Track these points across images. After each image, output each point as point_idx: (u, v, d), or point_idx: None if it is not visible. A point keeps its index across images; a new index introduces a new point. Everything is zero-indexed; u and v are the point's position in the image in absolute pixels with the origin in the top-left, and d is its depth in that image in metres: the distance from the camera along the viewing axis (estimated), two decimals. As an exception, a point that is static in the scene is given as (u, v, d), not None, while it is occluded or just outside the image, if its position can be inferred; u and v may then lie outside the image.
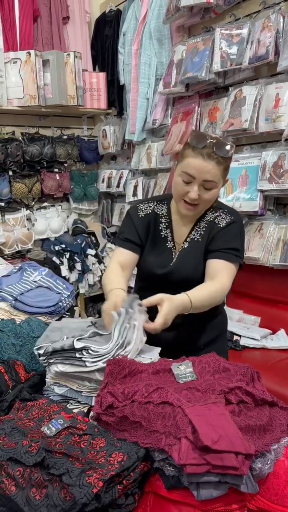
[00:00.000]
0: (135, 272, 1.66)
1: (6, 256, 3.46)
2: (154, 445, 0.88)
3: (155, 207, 1.58)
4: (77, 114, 4.04)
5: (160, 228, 1.56)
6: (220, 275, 1.44)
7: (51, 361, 1.19)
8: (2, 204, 3.49)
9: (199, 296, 1.37)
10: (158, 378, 1.06)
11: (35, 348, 1.25)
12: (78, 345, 1.13)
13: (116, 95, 3.88)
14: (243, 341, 2.50)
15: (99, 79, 3.87)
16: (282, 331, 2.56)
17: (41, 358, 1.22)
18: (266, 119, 2.47)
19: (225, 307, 2.78)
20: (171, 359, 1.16)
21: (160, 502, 0.84)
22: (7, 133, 3.52)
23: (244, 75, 2.68)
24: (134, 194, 3.55)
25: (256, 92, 2.55)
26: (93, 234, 3.99)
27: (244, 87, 2.64)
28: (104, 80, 3.88)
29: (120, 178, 3.80)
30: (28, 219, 3.71)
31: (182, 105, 3.15)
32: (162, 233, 1.56)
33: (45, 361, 1.20)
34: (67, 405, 1.16)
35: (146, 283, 1.62)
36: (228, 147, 1.39)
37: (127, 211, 1.63)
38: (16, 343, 1.42)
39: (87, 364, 1.12)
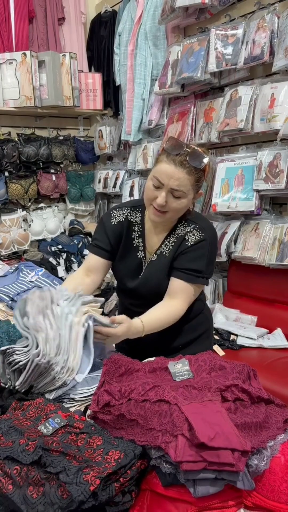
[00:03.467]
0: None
1: (2, 257, 3.46)
2: (150, 442, 0.88)
3: (129, 214, 1.55)
4: (73, 115, 4.04)
5: (133, 236, 1.55)
6: (178, 296, 1.47)
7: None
8: (-2, 205, 3.49)
9: (152, 322, 1.41)
10: (154, 376, 1.06)
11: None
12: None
13: (112, 95, 3.89)
14: (240, 341, 2.50)
15: (95, 79, 3.88)
16: (278, 330, 2.57)
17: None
18: (261, 119, 2.48)
19: (222, 307, 2.81)
20: (167, 358, 1.16)
21: (157, 499, 0.85)
22: (3, 134, 3.53)
23: (240, 76, 2.68)
24: (131, 194, 3.55)
25: (252, 92, 2.56)
26: (89, 234, 3.99)
27: (240, 87, 2.64)
28: (100, 80, 3.89)
29: (117, 178, 3.80)
30: (25, 220, 3.71)
31: (178, 105, 3.15)
32: (134, 241, 1.55)
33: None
34: (63, 404, 1.16)
35: (121, 292, 1.65)
36: (204, 159, 1.36)
37: (101, 217, 1.63)
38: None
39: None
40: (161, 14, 3.02)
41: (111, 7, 3.82)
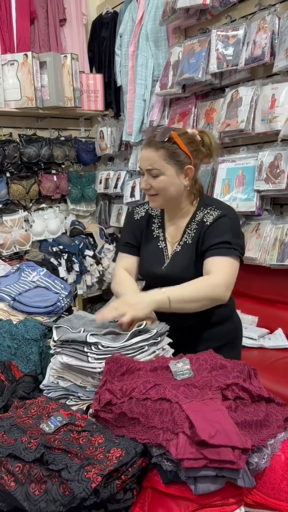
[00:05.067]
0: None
1: (4, 258, 3.46)
2: (152, 440, 0.88)
3: (150, 208, 1.61)
4: (74, 116, 4.05)
5: (153, 228, 1.59)
6: (214, 271, 1.38)
7: (58, 350, 1.20)
8: (0, 205, 3.50)
9: (176, 288, 1.33)
10: (156, 375, 1.07)
11: (54, 325, 1.25)
12: (90, 339, 1.14)
13: (113, 96, 3.90)
14: (240, 341, 2.51)
15: (96, 80, 3.89)
16: (279, 331, 2.57)
17: (52, 343, 1.23)
18: (262, 119, 2.49)
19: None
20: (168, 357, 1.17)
21: (158, 497, 0.85)
22: (4, 135, 3.53)
23: (240, 76, 2.69)
24: (132, 195, 3.56)
25: (252, 93, 2.57)
26: (90, 235, 4.00)
27: (241, 88, 2.65)
28: (101, 81, 3.90)
29: (118, 179, 3.81)
30: (26, 220, 3.72)
31: (179, 106, 3.16)
32: (154, 232, 1.58)
33: (55, 348, 1.21)
34: (67, 401, 1.17)
35: (148, 287, 1.55)
36: (168, 132, 1.39)
37: (125, 216, 1.67)
38: (11, 345, 1.43)
39: (90, 359, 1.13)
40: (162, 15, 3.03)
41: (112, 8, 3.83)
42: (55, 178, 3.81)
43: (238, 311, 2.77)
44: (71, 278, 3.72)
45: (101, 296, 4.20)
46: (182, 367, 1.08)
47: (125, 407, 0.95)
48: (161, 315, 1.35)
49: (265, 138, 2.62)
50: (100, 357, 1.14)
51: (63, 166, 3.92)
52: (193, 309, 1.37)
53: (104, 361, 1.11)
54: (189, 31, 3.18)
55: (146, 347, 1.20)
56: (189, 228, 1.51)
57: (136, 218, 1.62)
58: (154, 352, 1.22)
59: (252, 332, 2.55)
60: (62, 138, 3.90)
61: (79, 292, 3.86)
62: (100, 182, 4.05)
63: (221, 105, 2.78)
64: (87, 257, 3.81)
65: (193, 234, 1.49)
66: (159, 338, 1.25)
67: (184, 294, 1.34)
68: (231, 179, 2.70)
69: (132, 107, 3.41)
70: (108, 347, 1.15)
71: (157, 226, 1.58)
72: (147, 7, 3.25)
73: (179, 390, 0.97)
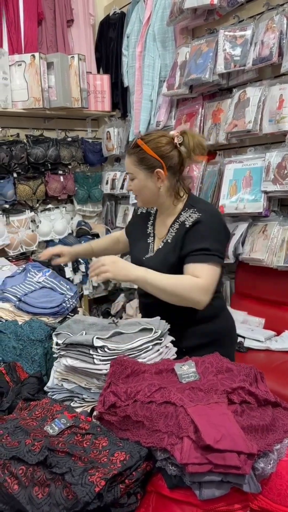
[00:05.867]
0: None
1: (10, 258, 3.47)
2: (156, 444, 0.88)
3: (151, 207, 1.73)
4: (81, 116, 4.05)
5: (148, 225, 1.71)
6: (196, 276, 1.44)
7: (62, 353, 1.20)
8: (7, 206, 3.51)
9: (161, 274, 1.43)
10: (161, 378, 1.06)
11: (54, 333, 1.28)
12: (97, 343, 1.14)
13: (120, 97, 3.90)
14: (247, 343, 2.49)
15: (103, 81, 3.89)
16: (286, 333, 2.55)
17: (55, 347, 1.23)
18: (270, 120, 2.47)
19: (229, 309, 2.79)
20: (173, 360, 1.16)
21: (162, 502, 0.84)
22: (11, 136, 3.54)
23: (248, 77, 2.68)
24: (138, 195, 3.55)
25: (260, 93, 2.55)
26: (97, 235, 4.00)
27: (248, 89, 2.64)
28: (108, 82, 3.90)
29: (124, 179, 3.81)
30: (33, 221, 3.73)
31: (186, 106, 3.15)
32: (148, 229, 1.70)
33: (58, 351, 1.22)
34: (71, 403, 1.16)
35: None
36: (134, 140, 1.54)
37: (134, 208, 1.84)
38: (16, 346, 1.43)
39: (95, 361, 1.13)
40: (170, 15, 3.02)
41: (119, 9, 3.83)
42: (61, 178, 3.81)
43: (244, 313, 2.78)
44: (77, 278, 3.72)
45: (107, 296, 4.20)
46: (187, 370, 1.07)
47: (129, 410, 0.94)
48: (148, 309, 1.54)
49: (272, 138, 2.60)
50: (105, 359, 1.14)
51: (69, 166, 3.92)
52: (166, 300, 1.44)
53: (109, 362, 1.10)
54: (196, 32, 3.17)
55: (151, 346, 1.21)
56: (172, 227, 1.58)
57: (138, 213, 1.80)
58: (158, 350, 1.22)
59: (258, 334, 2.53)
60: (69, 139, 3.90)
61: (85, 292, 3.86)
62: (107, 183, 4.04)
63: (229, 106, 2.76)
64: (93, 258, 3.81)
65: (174, 234, 1.56)
66: (163, 338, 1.27)
67: (162, 283, 1.41)
68: (238, 180, 2.69)
69: (139, 107, 3.40)
70: (114, 349, 1.15)
71: (151, 223, 1.70)
72: (154, 7, 3.25)
73: (184, 394, 0.96)
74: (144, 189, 1.56)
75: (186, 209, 1.55)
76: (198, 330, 1.58)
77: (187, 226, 1.50)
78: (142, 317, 1.69)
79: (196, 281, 1.42)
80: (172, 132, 1.54)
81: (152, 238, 1.66)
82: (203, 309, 1.48)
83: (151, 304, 1.52)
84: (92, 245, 1.95)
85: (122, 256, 1.98)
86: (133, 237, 1.77)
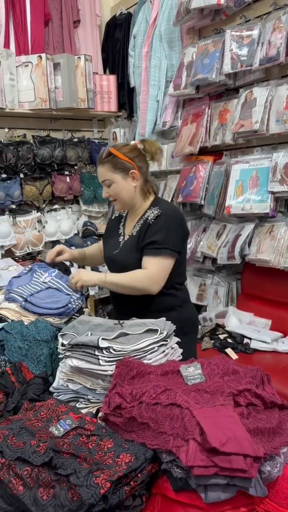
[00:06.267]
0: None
1: (17, 258, 3.48)
2: (161, 446, 0.87)
3: (123, 211, 1.95)
4: (87, 117, 4.06)
5: (120, 226, 1.92)
6: (146, 267, 1.71)
7: (68, 354, 1.20)
8: (14, 206, 3.52)
9: (116, 274, 1.74)
10: (166, 379, 1.06)
11: (59, 334, 1.29)
12: (102, 344, 1.14)
13: (127, 97, 3.90)
14: (253, 344, 2.48)
15: (109, 81, 3.89)
16: (293, 334, 2.54)
17: (61, 348, 1.24)
18: (277, 120, 2.46)
19: (235, 309, 2.78)
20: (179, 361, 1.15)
21: (167, 504, 0.84)
22: (18, 136, 3.55)
23: (255, 77, 2.66)
24: (144, 196, 3.55)
25: (267, 93, 2.54)
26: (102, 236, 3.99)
27: (255, 89, 2.62)
28: (115, 82, 3.90)
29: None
30: (39, 221, 3.74)
31: (192, 107, 3.14)
32: (119, 229, 1.91)
33: (64, 352, 1.22)
34: (77, 404, 1.16)
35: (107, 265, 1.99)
36: (106, 150, 1.75)
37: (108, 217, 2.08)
38: (22, 346, 1.43)
39: (101, 362, 1.12)
40: (176, 15, 3.01)
41: (126, 9, 3.83)
42: (68, 179, 3.82)
43: (251, 314, 2.76)
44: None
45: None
46: (193, 371, 1.07)
47: (135, 411, 0.94)
48: (118, 300, 1.84)
49: (279, 139, 2.59)
50: (111, 360, 1.13)
51: (76, 167, 3.93)
52: (125, 292, 1.75)
53: (115, 363, 1.10)
54: (203, 32, 3.16)
55: (156, 347, 1.21)
56: (137, 223, 1.80)
57: (111, 218, 2.03)
58: (164, 351, 1.22)
59: (265, 335, 2.52)
60: (75, 139, 3.90)
61: (91, 293, 3.86)
62: (113, 183, 4.03)
63: (235, 106, 2.75)
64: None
65: (138, 228, 1.79)
66: (168, 339, 1.26)
67: (117, 280, 1.72)
68: (244, 180, 2.67)
69: (145, 108, 3.40)
70: (119, 350, 1.14)
71: (122, 224, 1.92)
72: (161, 8, 3.24)
73: (190, 396, 0.96)
74: (122, 190, 1.76)
75: (151, 207, 1.79)
76: (163, 317, 1.68)
77: (149, 221, 1.73)
78: (113, 307, 2.00)
79: (144, 272, 1.69)
80: (133, 142, 1.82)
81: (122, 236, 1.87)
82: (164, 299, 1.76)
83: (120, 297, 1.80)
84: (85, 251, 2.14)
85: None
86: (106, 237, 1.98)
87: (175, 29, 3.20)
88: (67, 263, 3.65)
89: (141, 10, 3.49)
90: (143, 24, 3.45)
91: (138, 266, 1.73)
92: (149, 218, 1.74)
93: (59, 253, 2.00)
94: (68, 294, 1.79)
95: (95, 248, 2.15)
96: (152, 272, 1.69)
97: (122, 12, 3.84)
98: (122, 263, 1.79)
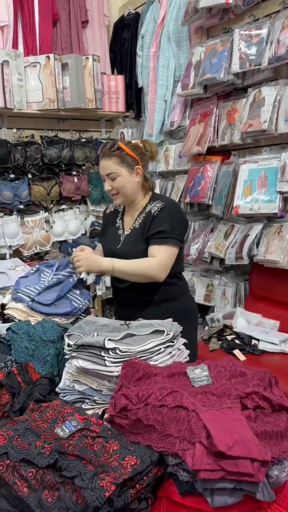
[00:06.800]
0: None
1: (24, 258, 3.49)
2: (167, 449, 0.86)
3: (117, 206, 2.00)
4: (95, 117, 4.06)
5: (117, 220, 1.97)
6: (153, 255, 1.75)
7: (74, 354, 1.19)
8: (22, 206, 3.52)
9: (122, 261, 1.74)
10: (173, 381, 1.05)
11: (66, 334, 1.29)
12: (109, 344, 1.14)
13: (134, 97, 3.89)
14: (261, 345, 2.45)
15: (117, 82, 3.89)
16: (301, 336, 2.51)
17: (67, 348, 1.24)
18: (285, 120, 2.43)
19: (243, 310, 2.76)
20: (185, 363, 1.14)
21: (173, 508, 0.83)
22: (26, 137, 3.56)
23: (263, 76, 2.64)
24: (152, 196, 3.54)
25: (276, 92, 2.52)
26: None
27: (263, 88, 2.60)
28: (123, 83, 3.89)
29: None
30: (47, 221, 3.74)
31: (200, 106, 3.13)
32: (117, 223, 1.96)
33: (70, 352, 1.22)
34: (82, 405, 1.16)
35: None
36: (116, 143, 1.79)
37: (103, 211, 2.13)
38: (29, 346, 1.43)
39: (107, 363, 1.12)
40: (184, 15, 3.00)
41: (134, 9, 3.83)
42: (75, 179, 3.82)
43: (259, 315, 2.74)
44: (90, 279, 3.70)
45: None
46: (200, 373, 1.05)
47: (140, 413, 0.93)
48: (120, 293, 1.89)
49: (288, 138, 2.57)
50: (117, 361, 1.13)
51: (83, 167, 3.93)
52: (132, 280, 1.78)
53: (121, 364, 1.09)
54: (211, 31, 3.14)
55: (163, 349, 1.20)
56: (139, 217, 1.86)
57: (107, 212, 2.06)
58: (171, 353, 1.21)
59: (273, 336, 2.49)
60: (83, 140, 3.91)
61: (98, 293, 3.86)
62: (121, 184, 4.03)
63: (243, 105, 2.73)
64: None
65: (140, 221, 1.84)
66: (175, 340, 1.25)
67: (126, 267, 1.75)
68: (253, 180, 2.65)
69: (153, 108, 3.39)
70: (126, 351, 1.13)
71: (119, 218, 1.97)
72: (169, 7, 3.23)
73: (196, 398, 0.95)
74: (127, 184, 1.81)
75: (151, 201, 1.86)
76: (166, 307, 1.82)
77: (153, 213, 1.79)
78: (114, 301, 2.03)
79: (152, 260, 1.74)
80: (134, 141, 1.87)
81: (122, 229, 1.92)
82: (168, 289, 1.83)
83: (123, 289, 1.85)
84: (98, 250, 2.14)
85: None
86: (103, 233, 2.02)
87: (183, 28, 3.19)
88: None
89: (149, 10, 3.48)
90: (151, 24, 3.45)
91: (144, 257, 1.77)
92: (153, 210, 1.80)
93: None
94: (75, 301, 1.78)
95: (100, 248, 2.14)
96: (162, 259, 1.74)
97: (130, 12, 3.84)
98: (127, 256, 1.81)
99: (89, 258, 1.76)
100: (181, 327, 1.33)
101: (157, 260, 1.74)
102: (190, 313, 1.94)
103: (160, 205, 1.80)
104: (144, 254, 1.78)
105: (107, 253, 1.92)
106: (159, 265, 1.74)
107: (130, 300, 1.86)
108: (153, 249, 1.76)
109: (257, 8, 2.73)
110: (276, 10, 2.57)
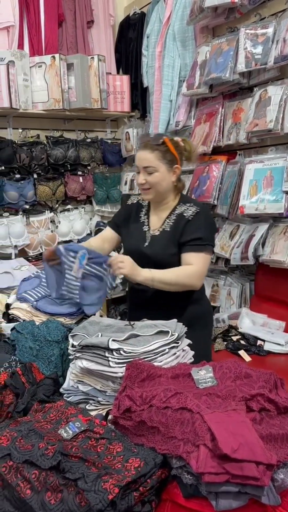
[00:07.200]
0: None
1: (30, 258, 3.50)
2: (172, 451, 0.85)
3: (140, 199, 1.93)
4: (100, 117, 4.05)
5: (140, 215, 1.89)
6: (190, 263, 1.70)
7: (78, 355, 1.19)
8: (27, 206, 3.53)
9: (161, 271, 1.65)
10: (177, 382, 1.04)
11: (70, 334, 1.29)
12: (113, 345, 1.13)
13: (140, 97, 3.88)
14: (267, 346, 2.44)
15: (122, 82, 3.88)
16: (307, 337, 2.49)
17: (71, 349, 1.23)
18: (292, 119, 2.42)
19: (248, 311, 2.74)
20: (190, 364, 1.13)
21: (177, 511, 0.82)
22: (32, 137, 3.57)
23: (269, 75, 2.62)
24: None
25: (282, 92, 2.50)
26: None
27: (269, 87, 2.59)
28: (128, 83, 3.89)
29: (143, 180, 3.78)
30: (52, 221, 3.75)
31: (206, 106, 3.11)
32: (141, 218, 1.88)
33: (74, 353, 1.21)
34: (86, 406, 1.15)
35: None
36: (162, 137, 1.73)
37: (121, 198, 2.02)
38: (33, 346, 1.43)
39: (111, 364, 1.11)
40: (190, 14, 2.99)
41: (139, 9, 3.82)
42: (81, 179, 3.82)
43: (264, 316, 2.72)
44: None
45: (125, 297, 4.19)
46: (204, 374, 1.05)
47: (144, 415, 0.92)
48: (138, 291, 1.77)
49: (294, 138, 2.55)
50: (121, 362, 1.12)
51: (89, 167, 3.93)
52: (169, 290, 1.69)
53: (125, 365, 1.09)
54: (217, 31, 3.13)
55: (167, 350, 1.19)
56: (168, 219, 1.80)
57: (128, 203, 1.97)
58: (175, 354, 1.20)
59: (279, 337, 2.48)
60: (89, 140, 3.90)
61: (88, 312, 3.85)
62: (125, 184, 4.03)
63: (249, 105, 2.71)
64: (112, 253, 3.80)
65: (171, 224, 1.78)
66: (180, 341, 1.24)
67: (166, 278, 1.67)
68: (258, 180, 2.64)
69: (158, 108, 3.38)
70: (130, 352, 1.13)
71: (144, 214, 1.89)
72: (174, 7, 3.22)
73: (201, 400, 0.94)
74: (163, 182, 1.74)
75: (181, 203, 1.80)
76: (188, 310, 1.79)
77: (187, 217, 1.74)
78: (132, 304, 1.94)
79: (190, 269, 1.69)
80: (176, 138, 1.80)
81: (147, 226, 1.85)
82: (190, 293, 1.77)
83: (146, 293, 1.76)
84: (91, 243, 1.99)
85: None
86: (125, 226, 1.92)
87: (188, 28, 3.18)
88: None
89: (154, 10, 3.47)
90: (156, 24, 3.44)
91: (173, 261, 1.73)
92: (186, 214, 1.75)
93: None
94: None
95: (98, 240, 1.99)
96: (200, 268, 1.70)
97: (135, 12, 3.83)
98: (156, 258, 1.75)
99: (133, 265, 1.64)
100: (186, 328, 1.32)
101: (196, 269, 1.69)
102: (208, 316, 1.93)
103: (194, 209, 1.75)
104: (174, 258, 1.74)
105: (132, 251, 1.81)
106: (198, 274, 1.70)
107: (151, 304, 1.77)
108: (191, 257, 1.70)
109: (263, 7, 2.71)
110: (283, 9, 2.55)
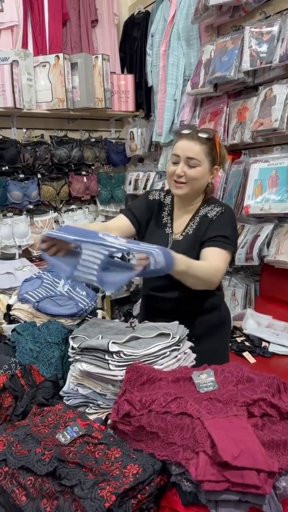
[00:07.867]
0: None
1: (33, 258, 3.49)
2: (171, 458, 0.83)
3: (163, 196, 1.79)
4: (105, 117, 4.04)
5: (163, 215, 1.75)
6: (212, 258, 1.53)
7: (78, 357, 1.18)
8: (31, 206, 3.53)
9: (193, 261, 1.45)
10: (177, 386, 1.02)
11: (70, 336, 1.27)
12: (113, 348, 1.11)
13: (144, 97, 3.86)
14: (272, 348, 2.41)
15: (127, 81, 3.87)
16: (313, 338, 2.46)
17: (71, 351, 1.22)
18: (297, 118, 2.39)
19: (253, 312, 2.72)
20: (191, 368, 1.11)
21: (176, 519, 0.80)
22: (36, 137, 3.56)
23: (274, 74, 2.60)
24: (161, 196, 3.51)
25: (287, 91, 2.47)
26: (119, 236, 3.97)
27: (275, 86, 2.56)
28: (132, 82, 3.87)
29: (147, 180, 3.77)
30: (56, 221, 3.74)
31: (210, 105, 3.09)
32: (163, 219, 1.75)
33: (74, 355, 1.20)
34: (86, 409, 1.13)
35: None
36: (210, 133, 1.61)
37: (143, 192, 1.85)
38: (33, 348, 1.41)
39: (111, 367, 1.10)
40: (194, 13, 2.96)
41: (144, 8, 3.80)
42: (85, 179, 3.81)
43: (269, 317, 2.70)
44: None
45: (129, 298, 4.17)
46: (206, 378, 1.02)
47: (144, 420, 0.90)
48: (157, 299, 1.67)
49: (300, 137, 2.52)
50: (121, 365, 1.10)
51: (93, 167, 3.92)
52: (190, 284, 1.48)
53: (125, 368, 1.07)
54: (221, 29, 3.10)
55: (168, 352, 1.17)
56: (192, 222, 1.69)
57: (150, 198, 1.78)
58: (176, 357, 1.18)
59: (283, 339, 2.45)
60: (93, 140, 3.89)
61: (107, 293, 3.85)
62: (130, 183, 4.02)
63: (254, 104, 2.69)
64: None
65: (194, 226, 1.67)
66: (181, 344, 1.22)
67: (197, 272, 1.46)
68: (263, 179, 2.61)
69: (163, 107, 3.36)
70: (130, 355, 1.11)
71: (167, 214, 1.75)
72: (179, 5, 3.20)
73: (201, 405, 0.92)
74: (201, 179, 1.62)
75: (205, 205, 1.69)
76: (206, 318, 1.69)
77: (211, 217, 1.63)
78: (147, 311, 1.78)
79: (216, 266, 1.52)
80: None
81: (170, 229, 1.72)
82: (212, 300, 1.68)
83: (165, 299, 1.66)
84: (91, 228, 1.73)
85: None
86: (147, 224, 1.75)
87: (193, 27, 3.15)
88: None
89: (159, 9, 3.46)
90: (161, 23, 3.42)
91: None
92: (209, 215, 1.64)
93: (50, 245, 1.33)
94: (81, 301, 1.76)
95: (102, 229, 1.68)
96: (222, 266, 1.55)
97: (140, 11, 3.81)
98: None
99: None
100: (187, 330, 1.30)
101: (218, 266, 1.53)
102: (227, 323, 1.84)
103: (219, 209, 1.64)
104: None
105: None
106: (220, 271, 1.54)
107: (169, 311, 1.62)
108: (214, 252, 1.55)
109: (268, 5, 2.68)
110: (288, 6, 2.52)
